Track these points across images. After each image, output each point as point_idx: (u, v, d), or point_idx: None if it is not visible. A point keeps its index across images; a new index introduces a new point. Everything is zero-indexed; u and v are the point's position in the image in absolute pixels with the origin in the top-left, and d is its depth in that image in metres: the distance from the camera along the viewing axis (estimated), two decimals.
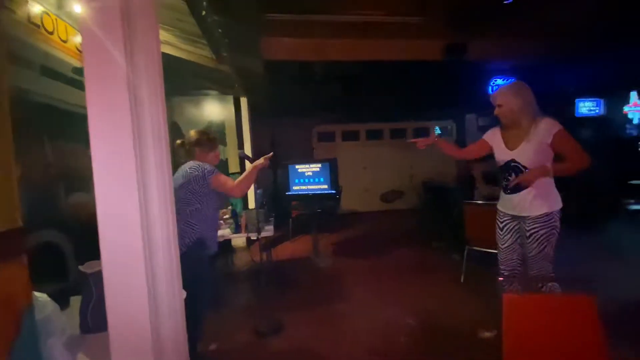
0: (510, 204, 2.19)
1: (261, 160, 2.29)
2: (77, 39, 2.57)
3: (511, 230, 2.23)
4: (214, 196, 2.14)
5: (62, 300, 1.41)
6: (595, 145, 5.75)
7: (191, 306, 2.08)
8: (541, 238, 2.06)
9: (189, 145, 2.21)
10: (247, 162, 2.50)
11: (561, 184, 2.55)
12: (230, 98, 5.28)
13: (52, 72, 2.34)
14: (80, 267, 1.49)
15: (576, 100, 6.73)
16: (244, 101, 5.33)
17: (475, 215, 3.43)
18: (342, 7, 4.44)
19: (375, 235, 5.87)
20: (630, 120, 6.58)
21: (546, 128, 2.00)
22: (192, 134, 2.24)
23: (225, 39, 3.10)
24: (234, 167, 5.19)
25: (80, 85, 2.59)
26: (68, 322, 1.33)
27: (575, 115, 6.74)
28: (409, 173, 7.36)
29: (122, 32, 1.00)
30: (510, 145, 2.13)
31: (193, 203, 2.04)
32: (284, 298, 3.29)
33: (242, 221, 3.30)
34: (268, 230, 3.28)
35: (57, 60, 2.37)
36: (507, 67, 6.35)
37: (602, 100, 6.79)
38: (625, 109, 6.31)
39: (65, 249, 2.37)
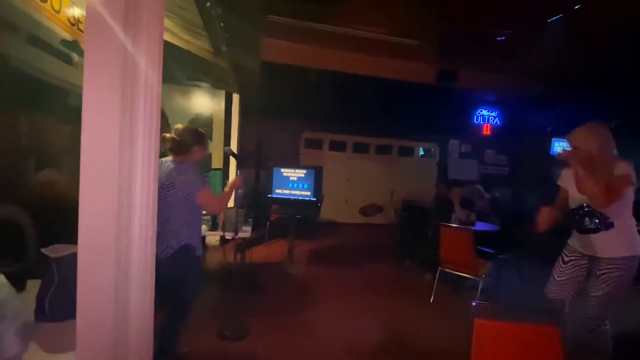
0: (585, 243, 2.09)
1: (237, 182, 2.32)
2: (71, 11, 2.47)
3: (576, 266, 2.15)
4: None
5: (17, 283, 1.32)
6: None
7: (177, 309, 2.02)
8: (612, 279, 1.96)
9: (179, 142, 2.02)
10: (231, 176, 2.47)
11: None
12: (221, 92, 5.20)
13: (39, 41, 2.22)
14: (44, 250, 1.40)
15: (552, 139, 7.11)
16: (236, 97, 5.27)
17: (451, 237, 3.50)
18: (343, 20, 4.52)
19: (350, 247, 5.89)
20: None
21: (624, 171, 1.91)
22: (180, 127, 2.08)
23: (226, 34, 3.07)
24: (217, 162, 5.08)
25: (66, 59, 2.46)
26: (23, 308, 1.24)
27: (551, 153, 7.13)
28: (390, 189, 7.49)
29: (126, 13, 0.97)
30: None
31: (177, 207, 1.95)
32: (253, 302, 3.22)
33: (220, 219, 3.22)
34: (246, 231, 3.22)
35: (46, 30, 2.25)
36: (493, 100, 6.65)
37: None
38: None
39: (26, 228, 2.22)
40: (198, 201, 1.99)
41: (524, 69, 5.66)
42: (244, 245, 3.79)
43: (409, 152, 7.70)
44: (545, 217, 2.07)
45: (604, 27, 3.96)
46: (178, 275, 1.95)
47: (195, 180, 1.99)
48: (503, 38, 4.41)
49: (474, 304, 2.65)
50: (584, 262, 2.12)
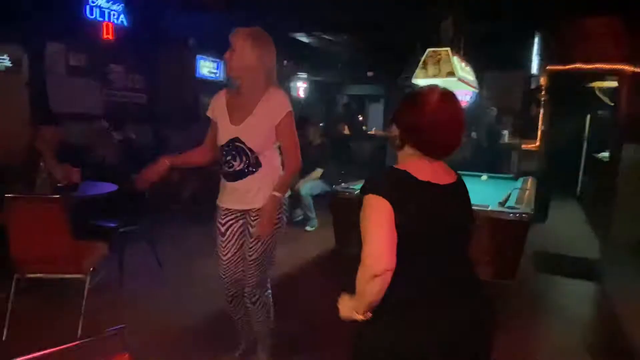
0: (233, 197, 1.73)
1: None
2: None
3: (236, 232, 1.76)
4: None
5: None
6: None
7: None
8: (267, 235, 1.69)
9: None
10: None
11: None
12: None
13: None
14: None
15: (197, 57, 6.11)
16: None
17: (26, 218, 2.12)
18: None
19: None
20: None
21: (279, 104, 1.66)
22: None
23: None
24: None
25: None
26: None
27: (196, 75, 6.15)
28: None
29: None
30: (234, 119, 1.68)
31: None
32: None
33: None
34: None
35: None
36: None
37: (221, 63, 6.23)
38: None
39: None
40: None
41: None
42: None
43: None
44: (151, 173, 1.73)
45: None
46: None
47: None
48: None
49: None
50: (241, 222, 1.76)
